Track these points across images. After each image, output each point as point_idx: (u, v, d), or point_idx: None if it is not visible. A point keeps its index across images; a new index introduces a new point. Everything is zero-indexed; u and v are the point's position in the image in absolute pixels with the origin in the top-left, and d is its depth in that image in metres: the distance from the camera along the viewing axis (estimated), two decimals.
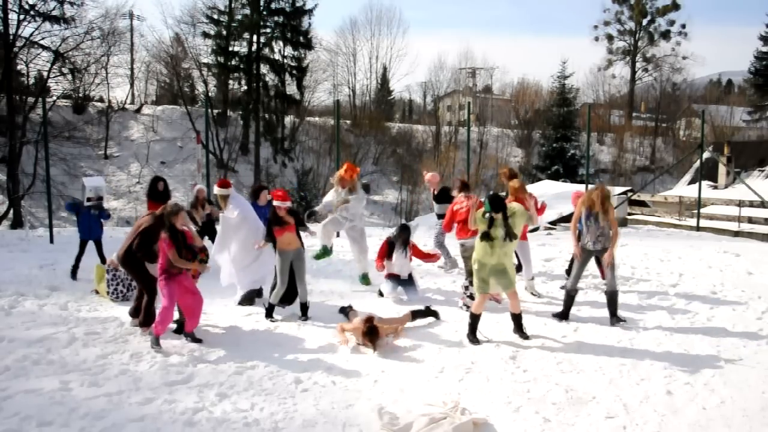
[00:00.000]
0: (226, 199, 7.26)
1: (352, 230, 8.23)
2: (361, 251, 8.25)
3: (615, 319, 6.32)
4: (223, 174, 31.03)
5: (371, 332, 5.58)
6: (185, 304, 5.81)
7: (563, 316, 6.45)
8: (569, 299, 6.47)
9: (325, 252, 8.23)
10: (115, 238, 10.58)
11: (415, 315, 6.45)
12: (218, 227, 7.77)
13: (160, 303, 5.75)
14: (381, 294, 7.59)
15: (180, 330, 6.00)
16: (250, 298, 7.25)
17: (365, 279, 8.27)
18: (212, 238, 8.81)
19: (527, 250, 7.72)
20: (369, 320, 5.67)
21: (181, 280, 5.72)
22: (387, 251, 7.57)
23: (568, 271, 7.87)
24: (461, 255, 7.34)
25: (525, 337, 5.86)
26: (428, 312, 6.63)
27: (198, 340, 5.81)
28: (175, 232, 5.65)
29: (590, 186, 7.73)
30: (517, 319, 5.91)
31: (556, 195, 18.36)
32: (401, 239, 7.61)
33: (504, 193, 7.85)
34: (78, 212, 8.48)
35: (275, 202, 6.61)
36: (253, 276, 7.17)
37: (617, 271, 6.65)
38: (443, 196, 9.03)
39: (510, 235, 5.66)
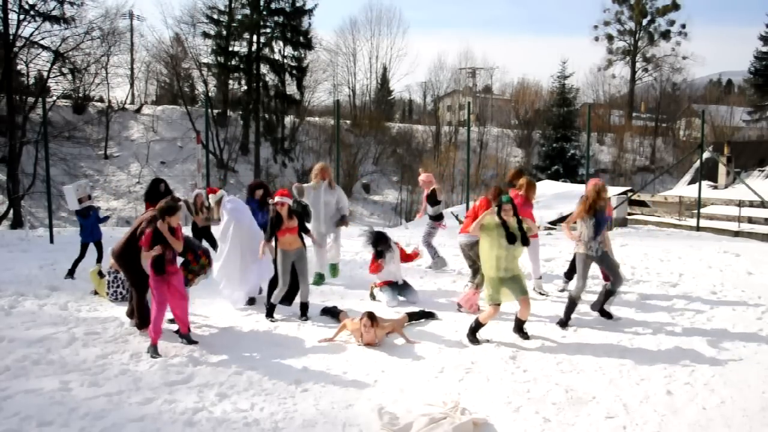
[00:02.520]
0: (219, 204, 7.22)
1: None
2: (319, 251, 8.26)
3: (601, 310, 6.43)
4: (223, 174, 31.09)
5: (372, 317, 5.67)
6: (174, 306, 5.72)
7: (564, 324, 6.23)
8: (572, 306, 6.22)
9: (321, 278, 8.27)
10: (116, 238, 10.57)
11: (411, 317, 6.47)
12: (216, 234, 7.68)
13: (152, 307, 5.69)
14: (373, 297, 7.49)
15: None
16: (250, 297, 7.24)
17: (334, 270, 8.48)
18: (211, 243, 8.89)
19: (536, 248, 7.71)
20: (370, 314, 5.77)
21: (172, 281, 5.60)
22: (377, 258, 7.43)
23: (567, 274, 7.85)
24: (467, 252, 7.32)
25: (525, 337, 5.86)
26: (424, 314, 6.64)
27: (194, 342, 5.76)
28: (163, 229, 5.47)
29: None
30: (519, 321, 5.90)
31: (556, 195, 18.41)
32: (386, 245, 7.45)
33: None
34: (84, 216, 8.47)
35: (276, 198, 6.57)
36: (256, 276, 7.14)
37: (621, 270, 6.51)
38: (433, 198, 9.11)
39: (525, 238, 5.65)
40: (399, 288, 7.44)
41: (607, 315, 6.46)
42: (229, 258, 6.93)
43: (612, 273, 6.29)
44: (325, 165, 8.52)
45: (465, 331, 5.88)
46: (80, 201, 8.42)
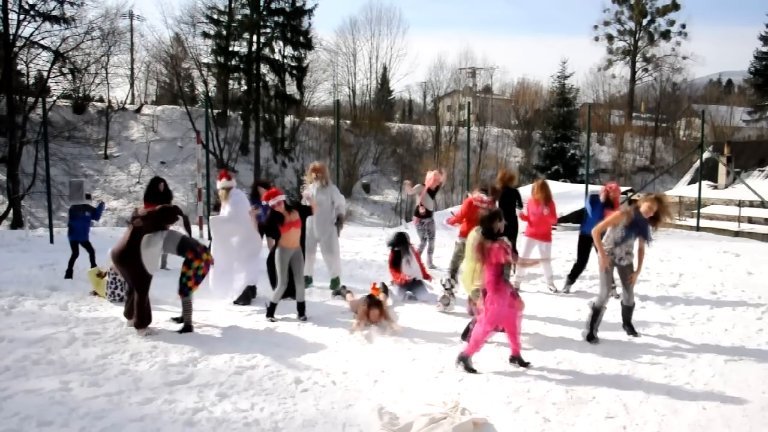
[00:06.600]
0: (228, 192, 7.31)
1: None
2: (333, 258, 7.89)
3: (629, 328, 5.99)
4: None
5: (378, 303, 6.21)
6: (508, 320, 5.11)
7: (591, 336, 5.80)
8: (596, 317, 5.82)
9: (309, 282, 7.93)
10: (116, 238, 10.57)
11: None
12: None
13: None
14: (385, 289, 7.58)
15: (184, 329, 6.00)
16: (246, 297, 7.25)
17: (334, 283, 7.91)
18: None
19: (549, 253, 8.00)
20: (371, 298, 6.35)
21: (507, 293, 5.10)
22: (395, 261, 7.72)
23: (571, 276, 7.94)
24: (456, 253, 7.23)
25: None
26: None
27: (525, 364, 5.15)
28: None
29: (593, 186, 7.81)
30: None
31: (556, 195, 18.34)
32: (404, 246, 7.74)
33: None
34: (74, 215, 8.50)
35: (271, 202, 6.54)
36: (248, 273, 7.19)
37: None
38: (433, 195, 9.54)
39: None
40: (410, 285, 7.58)
41: (633, 332, 5.97)
42: (216, 253, 7.03)
43: (625, 287, 5.90)
44: (314, 164, 8.03)
45: (461, 331, 5.80)
46: (89, 196, 8.54)
